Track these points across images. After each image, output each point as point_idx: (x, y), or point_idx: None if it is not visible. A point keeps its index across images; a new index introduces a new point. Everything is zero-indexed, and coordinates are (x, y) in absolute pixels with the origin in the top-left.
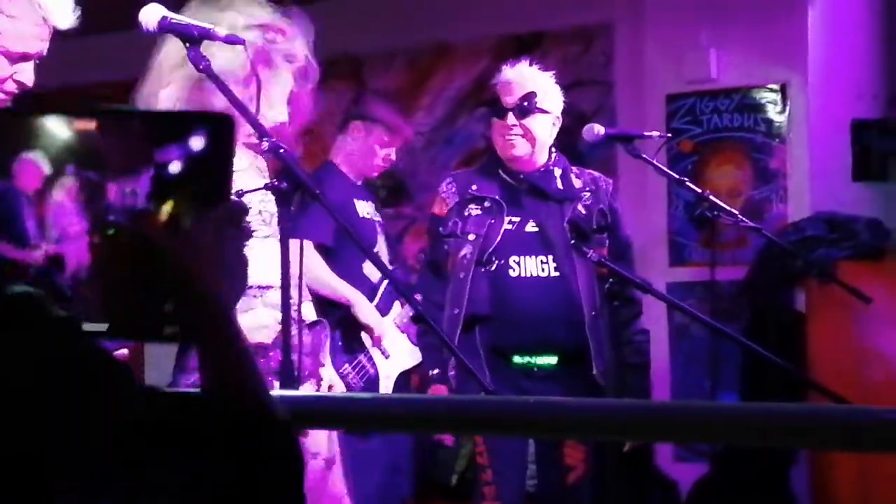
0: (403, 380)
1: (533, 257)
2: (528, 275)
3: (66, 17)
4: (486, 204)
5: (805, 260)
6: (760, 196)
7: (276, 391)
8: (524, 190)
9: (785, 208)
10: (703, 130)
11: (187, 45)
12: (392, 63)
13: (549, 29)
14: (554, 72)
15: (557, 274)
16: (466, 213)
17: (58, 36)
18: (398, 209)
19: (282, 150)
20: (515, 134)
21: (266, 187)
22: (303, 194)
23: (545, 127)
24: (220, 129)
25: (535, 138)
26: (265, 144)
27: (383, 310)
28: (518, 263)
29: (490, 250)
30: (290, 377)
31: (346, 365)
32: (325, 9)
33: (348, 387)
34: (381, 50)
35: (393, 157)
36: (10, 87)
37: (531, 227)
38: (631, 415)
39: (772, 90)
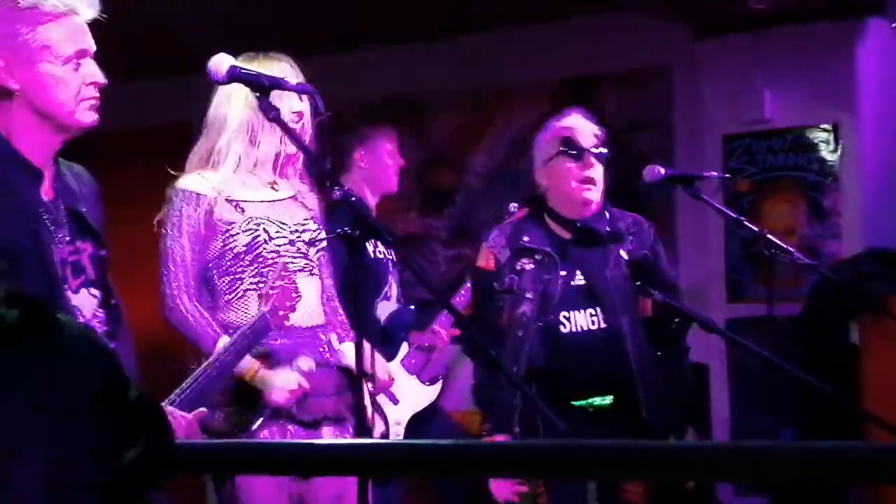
0: (415, 423)
1: (582, 311)
2: (579, 329)
3: (92, 10)
4: (538, 257)
5: (858, 295)
6: (814, 233)
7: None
8: (571, 241)
9: (838, 245)
10: (759, 170)
11: (257, 94)
12: (453, 106)
13: (607, 72)
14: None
15: (605, 326)
16: (519, 268)
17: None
18: (460, 251)
19: (353, 199)
20: (594, 177)
21: (337, 235)
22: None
23: (602, 175)
24: None
25: (602, 183)
26: (336, 193)
27: (391, 353)
28: (568, 319)
29: (549, 308)
30: (364, 421)
31: None
32: (386, 53)
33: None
34: (441, 93)
35: (402, 161)
36: (91, 91)
37: (579, 279)
38: (692, 455)
39: (824, 130)
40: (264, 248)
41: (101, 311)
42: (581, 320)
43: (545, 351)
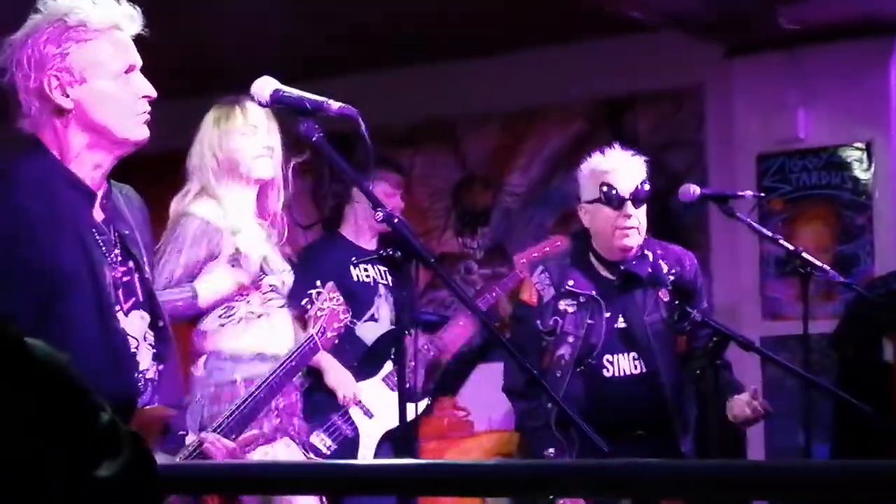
0: (386, 439)
1: (625, 355)
2: (622, 373)
3: (135, 25)
4: (582, 300)
5: (892, 312)
6: (848, 251)
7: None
8: (616, 285)
9: (872, 263)
10: (793, 188)
11: (299, 117)
12: (487, 126)
13: (640, 91)
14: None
15: (646, 370)
16: (563, 309)
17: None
18: (495, 269)
19: (395, 220)
20: (632, 225)
21: (379, 256)
22: (417, 263)
23: (645, 213)
24: None
25: (644, 227)
26: (379, 214)
27: (374, 370)
28: (611, 363)
29: (593, 352)
30: (410, 442)
31: (318, 430)
32: (421, 74)
33: (317, 452)
34: (476, 113)
35: (401, 203)
36: (143, 105)
37: (621, 322)
38: (726, 474)
39: (858, 148)
40: (263, 284)
41: (150, 332)
42: (624, 364)
43: (588, 393)
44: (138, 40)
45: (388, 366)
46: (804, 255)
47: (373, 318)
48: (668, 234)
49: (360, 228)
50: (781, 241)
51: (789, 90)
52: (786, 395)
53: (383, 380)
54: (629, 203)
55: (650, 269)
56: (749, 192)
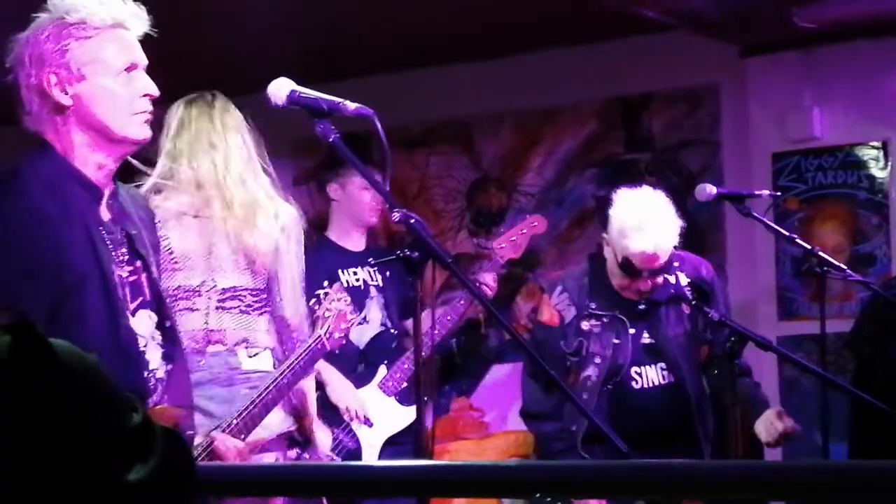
0: (390, 445)
1: (653, 366)
2: (651, 384)
3: (141, 24)
4: (606, 320)
5: None
6: (864, 251)
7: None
8: (639, 309)
9: (888, 262)
10: (808, 188)
11: (316, 118)
12: (501, 126)
13: (655, 91)
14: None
15: (673, 380)
16: (587, 329)
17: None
18: (509, 270)
19: (412, 220)
20: (648, 288)
21: (397, 257)
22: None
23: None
24: None
25: (661, 280)
26: (396, 215)
27: (367, 375)
28: (640, 374)
29: (621, 372)
30: (424, 447)
31: None
32: (435, 75)
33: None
34: (489, 114)
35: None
36: (144, 104)
37: (646, 338)
38: (742, 475)
39: (874, 147)
40: None
41: (157, 332)
42: (652, 375)
43: (614, 406)
44: (149, 43)
45: (382, 370)
46: (821, 254)
47: (364, 321)
48: (683, 235)
49: (346, 229)
50: (798, 241)
51: (804, 90)
52: (803, 395)
53: (379, 386)
54: (646, 278)
55: (672, 291)
56: (765, 192)
